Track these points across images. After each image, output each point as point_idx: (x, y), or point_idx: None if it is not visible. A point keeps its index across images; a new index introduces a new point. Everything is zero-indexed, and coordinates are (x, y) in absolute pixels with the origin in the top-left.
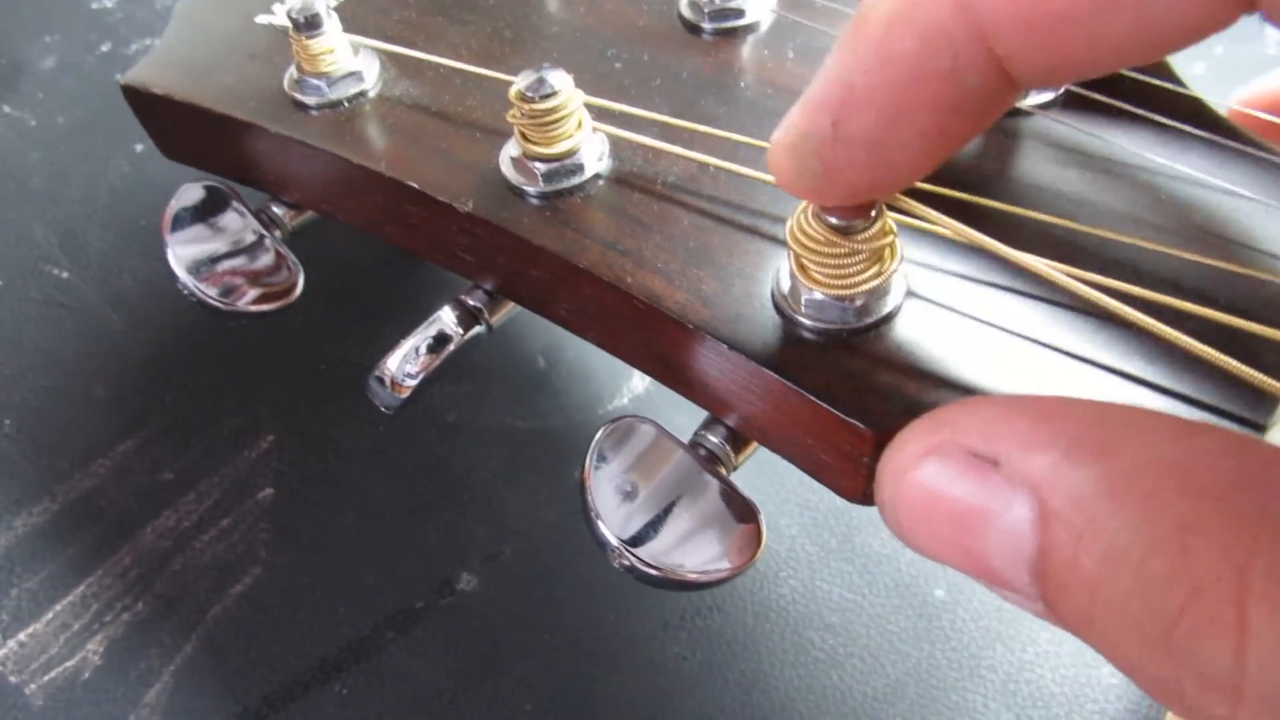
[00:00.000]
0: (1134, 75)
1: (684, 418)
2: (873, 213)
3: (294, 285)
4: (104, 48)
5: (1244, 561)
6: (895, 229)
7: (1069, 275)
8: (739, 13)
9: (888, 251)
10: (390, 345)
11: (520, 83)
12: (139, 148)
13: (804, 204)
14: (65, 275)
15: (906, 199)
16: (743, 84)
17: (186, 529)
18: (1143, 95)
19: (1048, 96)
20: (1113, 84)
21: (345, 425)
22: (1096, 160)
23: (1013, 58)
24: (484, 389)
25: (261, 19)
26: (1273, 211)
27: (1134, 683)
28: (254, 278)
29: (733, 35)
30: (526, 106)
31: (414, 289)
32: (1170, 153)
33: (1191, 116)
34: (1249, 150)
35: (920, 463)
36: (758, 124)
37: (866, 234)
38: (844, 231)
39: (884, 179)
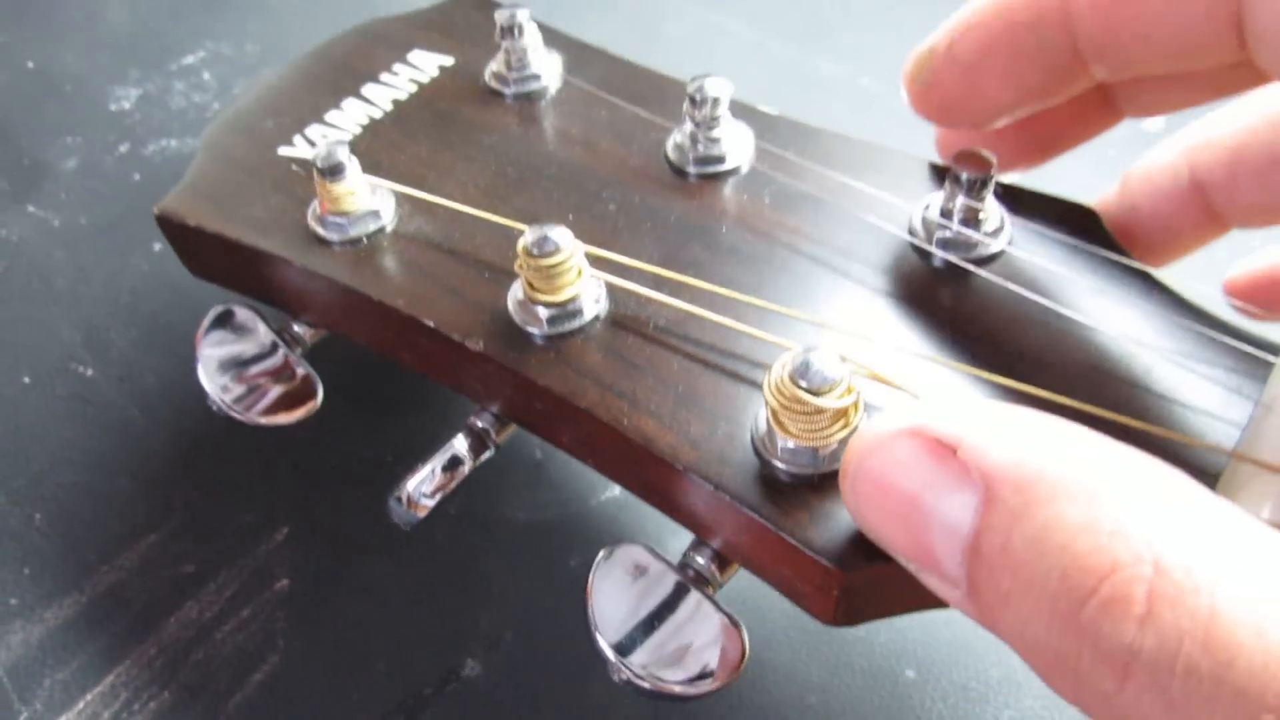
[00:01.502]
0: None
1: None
2: (838, 381)
3: (314, 398)
4: (123, 148)
5: (1160, 550)
6: (858, 389)
7: None
8: (720, 159)
9: (852, 409)
10: (396, 440)
11: (527, 238)
12: (157, 247)
13: (781, 365)
14: (89, 373)
15: (866, 365)
16: (724, 229)
17: (208, 620)
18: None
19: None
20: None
21: (356, 517)
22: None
23: (1082, 34)
24: (484, 482)
25: (284, 151)
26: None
27: (1029, 663)
28: (277, 392)
29: (715, 179)
30: (532, 261)
31: (420, 387)
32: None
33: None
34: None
35: (888, 442)
36: (737, 270)
37: (833, 395)
38: (813, 394)
39: (967, 104)
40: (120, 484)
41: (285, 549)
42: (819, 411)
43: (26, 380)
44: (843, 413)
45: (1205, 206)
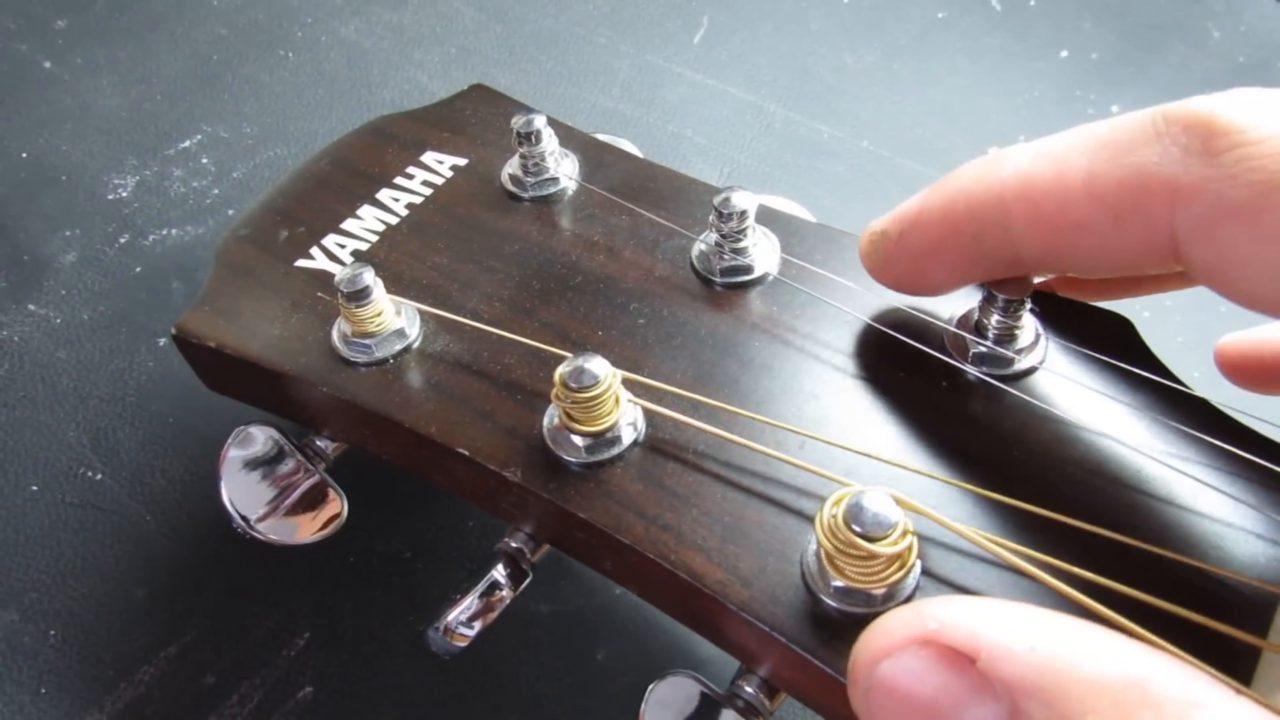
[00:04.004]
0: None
1: None
2: (894, 525)
3: (340, 514)
4: (122, 239)
5: None
6: (913, 529)
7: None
8: (748, 269)
9: (908, 551)
10: (414, 534)
11: (564, 371)
12: (162, 342)
13: (833, 505)
14: (99, 477)
15: (923, 509)
16: (756, 343)
17: None
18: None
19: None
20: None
21: (377, 617)
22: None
23: (1024, 250)
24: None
25: (301, 264)
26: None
27: None
28: (303, 511)
29: (743, 287)
30: (570, 394)
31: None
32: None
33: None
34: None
35: (901, 651)
36: (773, 387)
37: (889, 541)
38: (869, 540)
39: (916, 284)
40: (136, 594)
41: (307, 655)
42: (875, 556)
43: (35, 488)
44: (899, 556)
45: None
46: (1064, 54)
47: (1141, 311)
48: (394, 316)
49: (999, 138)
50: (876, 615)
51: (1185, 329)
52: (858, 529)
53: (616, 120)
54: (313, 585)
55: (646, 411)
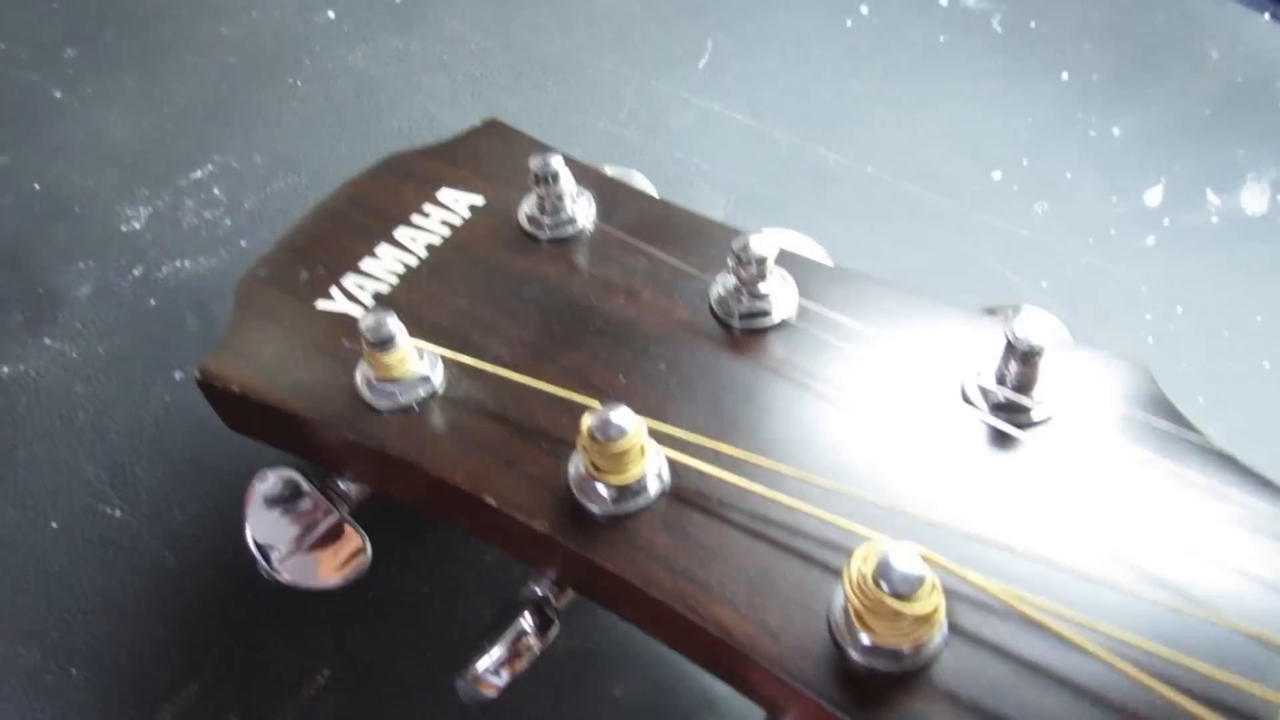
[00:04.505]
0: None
1: None
2: (923, 584)
3: (364, 557)
4: (136, 272)
5: None
6: (941, 590)
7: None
8: (767, 313)
9: (937, 609)
10: (432, 570)
11: (591, 423)
12: (178, 375)
13: (861, 561)
14: (118, 514)
15: (953, 566)
16: (777, 389)
17: None
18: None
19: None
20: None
21: (397, 652)
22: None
23: None
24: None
25: (322, 306)
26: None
27: None
28: (327, 554)
29: (763, 332)
30: (597, 446)
31: None
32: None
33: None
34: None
35: None
36: (794, 434)
37: (918, 601)
38: (899, 599)
39: None
40: (156, 632)
41: (328, 693)
42: (903, 615)
43: (54, 525)
44: (929, 614)
45: None
46: (1065, 76)
47: (1146, 338)
48: (418, 362)
49: (1002, 161)
50: (905, 672)
51: (1188, 355)
52: (886, 587)
53: (623, 146)
54: (333, 622)
55: (671, 460)
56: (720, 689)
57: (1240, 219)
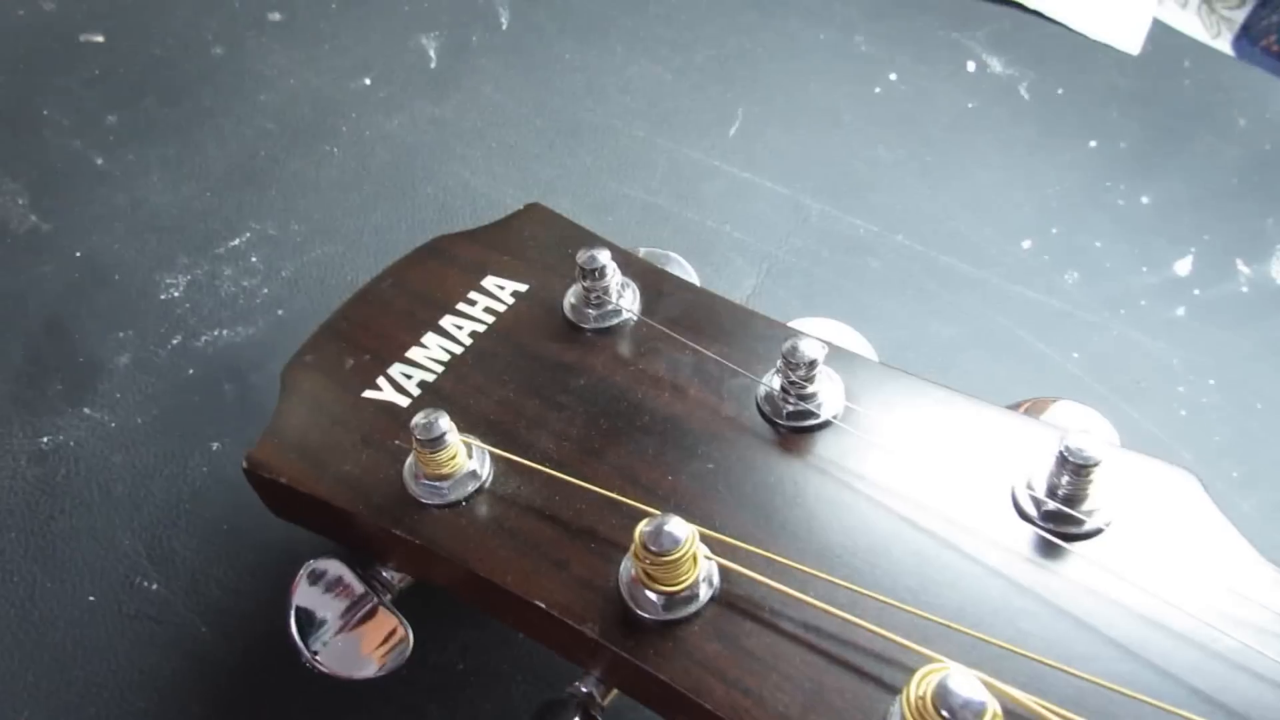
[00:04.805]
0: None
1: None
2: (987, 711)
3: (406, 646)
4: (175, 341)
5: None
6: (1000, 713)
7: None
8: (815, 414)
9: None
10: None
11: (645, 531)
12: (215, 446)
13: (921, 683)
14: (154, 587)
15: (1012, 692)
16: (824, 492)
17: None
18: None
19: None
20: None
21: None
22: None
23: None
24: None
25: (369, 395)
26: None
27: None
28: (370, 644)
29: (810, 431)
30: (651, 556)
31: None
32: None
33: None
34: None
35: None
36: (842, 541)
37: None
38: None
39: None
40: (193, 709)
41: None
42: None
43: (92, 598)
44: None
45: None
46: (1093, 144)
47: (1179, 410)
48: (466, 459)
49: (1031, 230)
50: None
51: (1221, 428)
52: (946, 716)
53: (656, 214)
54: (366, 699)
55: (720, 567)
56: None
57: (1271, 289)
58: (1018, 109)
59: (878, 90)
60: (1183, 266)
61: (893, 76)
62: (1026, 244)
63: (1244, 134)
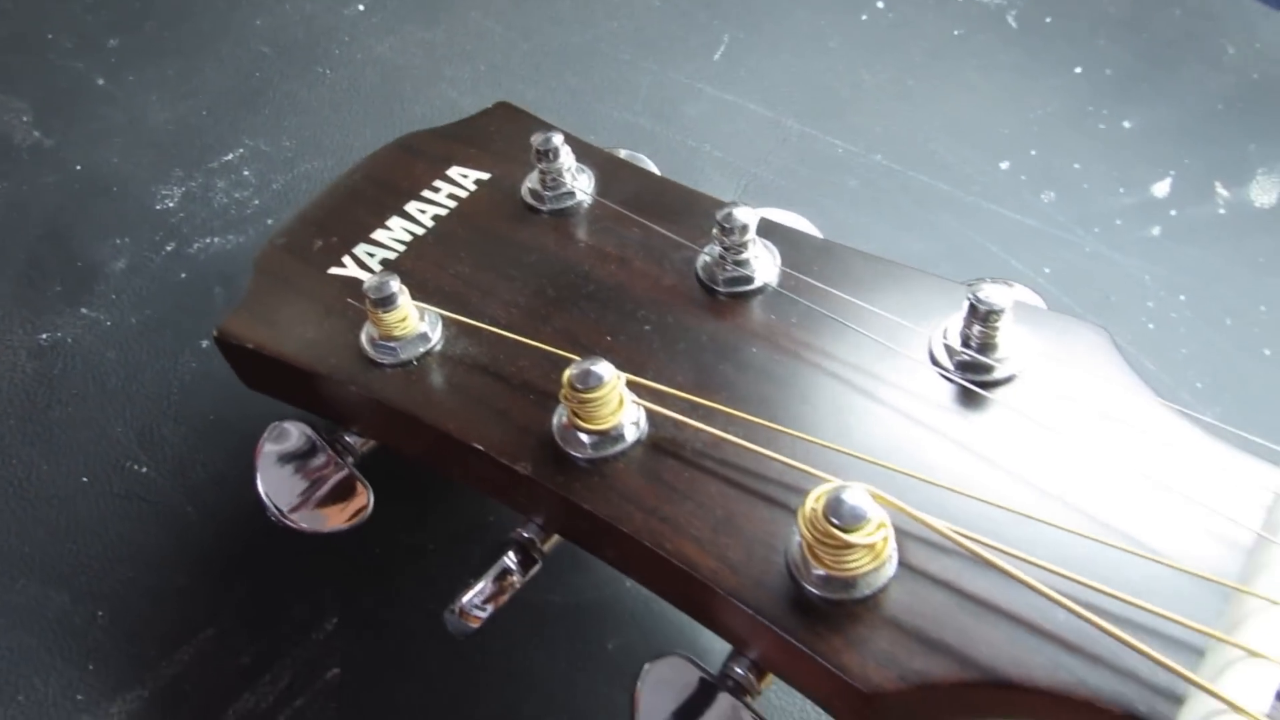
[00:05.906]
0: None
1: None
2: (869, 519)
3: (366, 505)
4: (169, 247)
5: None
6: (888, 525)
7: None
8: (749, 279)
9: (882, 542)
10: (436, 528)
11: (571, 373)
12: (204, 344)
13: (814, 500)
14: (144, 470)
15: (897, 503)
16: (754, 349)
17: (264, 710)
18: None
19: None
20: None
21: (400, 605)
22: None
23: None
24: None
25: (334, 272)
26: None
27: None
28: (332, 501)
29: (744, 297)
30: (576, 395)
31: None
32: None
33: None
34: None
35: None
36: (767, 391)
37: (864, 533)
38: (845, 531)
39: None
40: (177, 580)
41: (335, 639)
42: (850, 546)
43: (85, 480)
44: (873, 546)
45: None
46: (1078, 70)
47: (1147, 324)
48: (418, 321)
49: (1010, 152)
50: (854, 601)
51: (1189, 341)
52: (835, 521)
53: (638, 134)
54: (341, 574)
55: (649, 411)
56: (706, 642)
57: (1249, 211)
58: (1005, 36)
59: (864, 17)
60: (1161, 188)
61: (880, 4)
62: (1004, 165)
63: (1232, 62)
